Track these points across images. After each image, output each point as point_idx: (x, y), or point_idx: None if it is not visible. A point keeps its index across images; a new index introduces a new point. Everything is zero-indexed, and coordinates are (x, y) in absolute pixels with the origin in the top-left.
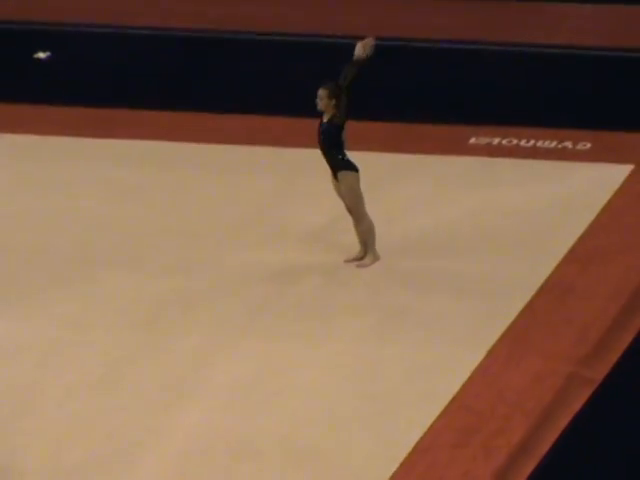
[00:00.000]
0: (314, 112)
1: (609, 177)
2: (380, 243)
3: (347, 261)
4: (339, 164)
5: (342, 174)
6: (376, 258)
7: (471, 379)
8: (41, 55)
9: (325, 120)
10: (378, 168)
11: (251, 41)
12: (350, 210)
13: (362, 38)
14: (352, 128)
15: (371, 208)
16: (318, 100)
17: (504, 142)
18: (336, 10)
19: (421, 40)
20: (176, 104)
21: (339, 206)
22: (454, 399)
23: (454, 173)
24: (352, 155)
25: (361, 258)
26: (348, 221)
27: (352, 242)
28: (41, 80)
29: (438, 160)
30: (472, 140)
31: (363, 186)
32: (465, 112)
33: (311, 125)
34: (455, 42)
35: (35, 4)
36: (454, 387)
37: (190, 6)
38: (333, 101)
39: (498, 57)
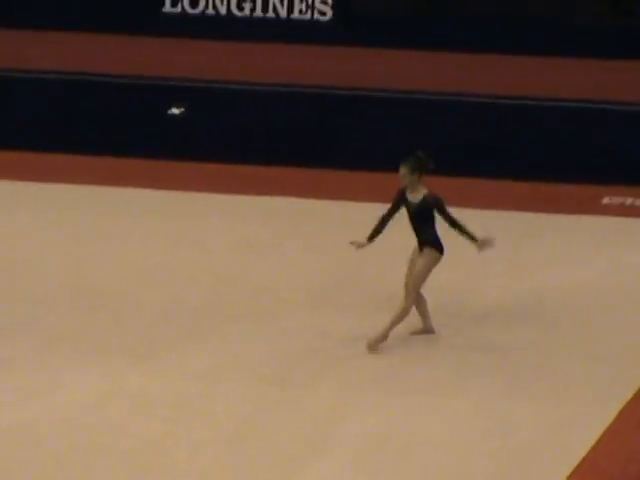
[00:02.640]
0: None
1: None
2: (511, 301)
3: (413, 334)
4: (429, 240)
5: (428, 250)
6: (382, 339)
7: (602, 439)
8: (175, 111)
9: (412, 197)
10: (511, 227)
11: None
12: (407, 283)
13: (494, 97)
14: (486, 187)
15: (504, 266)
16: (401, 177)
17: (638, 202)
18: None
19: (552, 99)
20: (307, 161)
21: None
22: (585, 459)
23: (587, 233)
24: (486, 214)
25: (425, 331)
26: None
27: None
28: (175, 136)
29: (571, 220)
30: (605, 200)
31: (500, 243)
32: (599, 172)
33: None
34: (587, 102)
35: (168, 60)
36: (585, 446)
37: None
38: (416, 175)
39: (631, 117)
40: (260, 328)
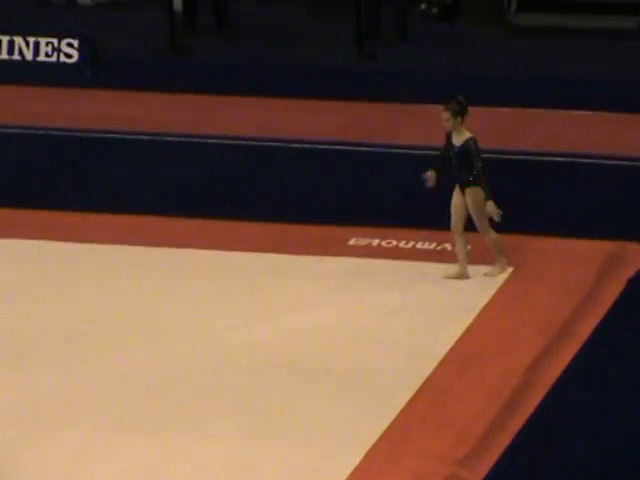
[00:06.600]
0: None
1: (488, 279)
2: (257, 342)
3: (446, 277)
4: (469, 182)
5: (469, 189)
6: (504, 268)
7: None
8: None
9: (456, 141)
10: (259, 268)
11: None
12: (455, 228)
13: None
14: (232, 228)
15: (251, 308)
16: (445, 122)
17: (383, 243)
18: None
19: (299, 141)
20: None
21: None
22: None
23: (333, 274)
24: (232, 255)
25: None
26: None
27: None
28: None
29: (318, 261)
30: (352, 241)
31: (245, 286)
32: (345, 213)
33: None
34: (336, 143)
35: None
36: None
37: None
38: (459, 119)
39: (376, 158)
40: (9, 370)
